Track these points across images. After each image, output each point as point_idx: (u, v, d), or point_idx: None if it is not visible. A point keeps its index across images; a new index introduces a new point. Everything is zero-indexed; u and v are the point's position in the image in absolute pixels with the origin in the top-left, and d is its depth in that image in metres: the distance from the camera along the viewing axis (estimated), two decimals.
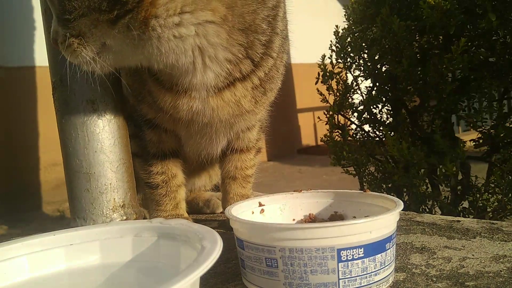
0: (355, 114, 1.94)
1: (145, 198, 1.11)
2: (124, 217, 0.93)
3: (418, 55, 1.64)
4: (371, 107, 1.88)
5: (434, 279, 0.70)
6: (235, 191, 1.13)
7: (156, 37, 0.73)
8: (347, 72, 1.97)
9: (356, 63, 1.90)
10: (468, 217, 1.44)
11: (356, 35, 1.88)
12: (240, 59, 0.84)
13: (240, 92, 0.89)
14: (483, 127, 1.57)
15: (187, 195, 1.24)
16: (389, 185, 1.77)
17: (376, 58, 1.76)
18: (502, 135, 1.50)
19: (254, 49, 0.85)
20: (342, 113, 1.98)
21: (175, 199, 1.06)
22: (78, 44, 0.75)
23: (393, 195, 0.82)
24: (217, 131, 0.98)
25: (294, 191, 0.90)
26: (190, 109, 0.88)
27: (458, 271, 0.73)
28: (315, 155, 6.08)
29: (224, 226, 1.14)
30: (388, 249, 0.65)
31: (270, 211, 0.87)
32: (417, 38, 1.65)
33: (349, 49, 1.91)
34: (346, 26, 1.95)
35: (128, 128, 1.02)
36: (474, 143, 1.65)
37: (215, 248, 0.52)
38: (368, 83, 1.92)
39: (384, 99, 1.86)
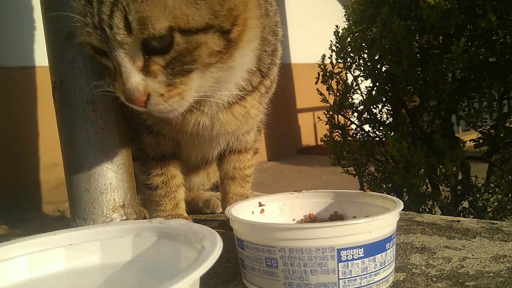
0: (355, 114, 1.94)
1: (145, 199, 1.11)
2: (124, 217, 0.93)
3: (418, 55, 1.64)
4: (371, 107, 1.88)
5: (434, 279, 0.70)
6: (234, 191, 1.13)
7: (235, 67, 0.75)
8: (347, 72, 1.97)
9: (356, 63, 1.90)
10: (468, 217, 1.44)
11: (356, 35, 1.88)
12: (253, 71, 0.87)
13: (250, 103, 0.91)
14: (483, 127, 1.57)
15: (186, 194, 1.24)
16: (389, 185, 1.77)
17: (376, 58, 1.76)
18: (502, 135, 1.50)
19: (262, 60, 0.88)
20: (342, 113, 1.98)
21: (174, 199, 1.06)
22: (184, 90, 0.70)
23: (393, 195, 0.82)
24: (219, 138, 1.00)
25: (294, 191, 0.90)
26: (197, 124, 0.89)
27: (458, 271, 0.73)
28: (315, 155, 6.08)
29: (224, 226, 1.14)
30: (388, 249, 0.65)
31: (270, 211, 0.87)
32: (417, 38, 1.65)
33: (349, 49, 1.91)
34: (346, 26, 1.94)
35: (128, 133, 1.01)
36: (474, 143, 1.65)
37: (215, 248, 0.52)
38: (368, 83, 1.92)
39: (384, 99, 1.85)
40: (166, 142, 1.03)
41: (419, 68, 1.59)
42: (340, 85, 1.97)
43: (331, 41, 2.00)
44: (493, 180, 1.49)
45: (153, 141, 1.03)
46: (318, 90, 2.03)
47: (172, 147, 1.05)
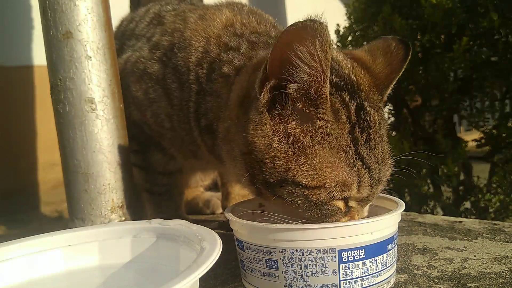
0: None
1: (144, 199, 1.11)
2: (123, 218, 0.93)
3: (419, 54, 1.64)
4: None
5: (436, 280, 0.70)
6: (237, 192, 1.13)
7: None
8: None
9: None
10: (470, 218, 1.44)
11: (357, 33, 1.87)
12: None
13: None
14: (485, 127, 1.56)
15: (186, 193, 1.24)
16: (390, 185, 1.76)
17: None
18: (504, 135, 1.49)
19: None
20: None
21: (175, 202, 1.07)
22: None
23: (394, 195, 0.81)
24: None
25: None
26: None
27: (460, 272, 0.72)
28: None
29: (224, 227, 1.13)
30: (390, 250, 0.65)
31: (271, 211, 0.86)
32: (418, 37, 1.65)
33: (350, 48, 1.91)
34: (347, 25, 1.94)
35: (132, 145, 1.00)
36: (476, 143, 1.64)
37: (215, 249, 0.52)
38: None
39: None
40: (177, 162, 1.04)
41: (421, 68, 1.58)
42: None
43: (332, 39, 1.99)
44: (495, 181, 1.48)
45: (163, 159, 1.03)
46: None
47: (180, 164, 1.06)
